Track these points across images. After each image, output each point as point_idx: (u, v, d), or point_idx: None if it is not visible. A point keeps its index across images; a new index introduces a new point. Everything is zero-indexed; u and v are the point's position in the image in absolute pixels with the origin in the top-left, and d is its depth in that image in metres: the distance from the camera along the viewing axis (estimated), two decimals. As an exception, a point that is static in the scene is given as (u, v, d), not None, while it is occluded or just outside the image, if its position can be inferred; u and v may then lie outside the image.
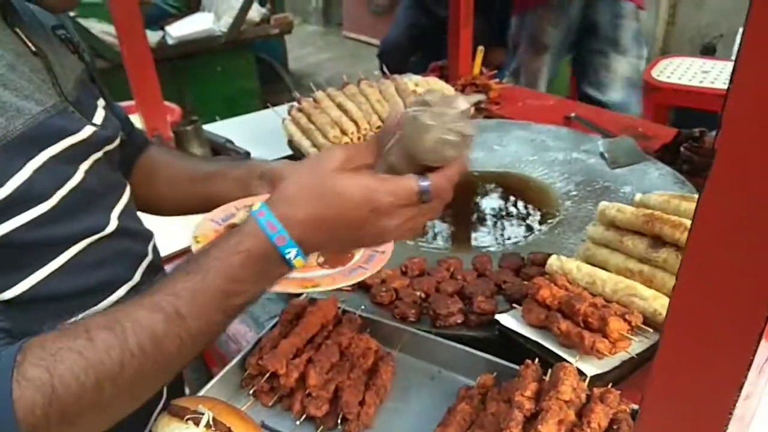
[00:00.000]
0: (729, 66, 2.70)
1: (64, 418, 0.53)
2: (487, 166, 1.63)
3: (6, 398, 0.50)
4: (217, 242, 0.63)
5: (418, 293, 1.04)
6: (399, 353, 0.93)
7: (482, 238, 1.37)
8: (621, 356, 0.81)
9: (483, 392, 0.81)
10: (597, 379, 0.79)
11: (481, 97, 2.16)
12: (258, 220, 0.61)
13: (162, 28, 3.69)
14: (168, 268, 0.97)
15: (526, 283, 0.98)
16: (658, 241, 0.90)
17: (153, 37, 3.42)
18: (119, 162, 0.87)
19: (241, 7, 3.73)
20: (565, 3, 2.50)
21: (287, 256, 0.61)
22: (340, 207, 0.61)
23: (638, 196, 1.06)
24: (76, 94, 0.76)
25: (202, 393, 0.85)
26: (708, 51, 3.83)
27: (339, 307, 0.97)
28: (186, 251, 0.98)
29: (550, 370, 0.77)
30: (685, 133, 1.57)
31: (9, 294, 0.65)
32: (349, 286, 1.09)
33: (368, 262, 0.86)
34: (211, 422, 0.71)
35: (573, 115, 1.92)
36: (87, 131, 0.73)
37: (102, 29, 3.29)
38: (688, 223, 0.88)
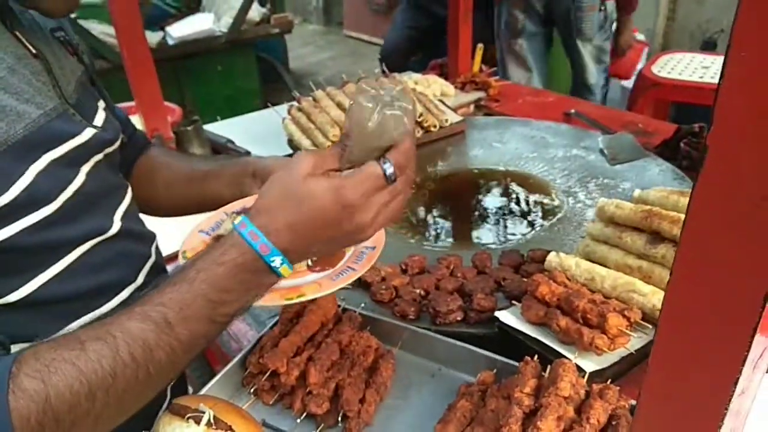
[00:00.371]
0: (730, 61, 2.70)
1: (58, 426, 0.54)
2: (487, 163, 1.63)
3: (3, 409, 0.51)
4: (201, 254, 0.63)
5: (418, 291, 1.04)
6: (399, 351, 0.93)
7: (482, 235, 1.37)
8: (620, 352, 0.81)
9: (483, 389, 0.81)
10: (596, 375, 0.79)
11: (480, 94, 2.18)
12: (240, 232, 0.62)
13: (162, 29, 3.70)
14: (170, 268, 0.98)
15: (525, 280, 0.98)
16: (657, 237, 0.90)
17: (153, 37, 3.43)
18: (120, 163, 0.87)
19: (241, 7, 3.74)
20: None
21: (272, 265, 0.62)
22: (313, 210, 0.62)
23: (637, 192, 1.06)
24: (76, 96, 0.76)
25: (203, 392, 0.86)
26: (708, 46, 3.82)
27: (339, 306, 0.98)
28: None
29: (549, 367, 0.77)
30: (684, 128, 1.56)
31: (13, 297, 0.66)
32: (349, 284, 1.10)
33: (357, 261, 0.86)
34: (212, 421, 0.71)
35: (573, 111, 1.92)
36: (88, 133, 0.74)
37: (102, 30, 3.30)
38: (686, 218, 0.87)
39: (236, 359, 0.91)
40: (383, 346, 0.93)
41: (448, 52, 2.22)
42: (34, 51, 0.72)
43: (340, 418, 0.82)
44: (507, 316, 0.91)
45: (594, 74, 2.94)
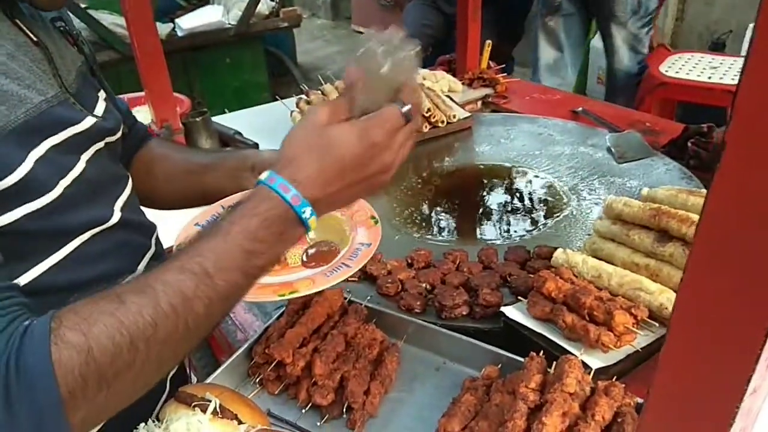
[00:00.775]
0: (738, 62, 2.69)
1: (101, 379, 0.54)
2: (493, 159, 1.63)
3: (46, 361, 0.51)
4: (234, 208, 0.64)
5: (424, 285, 1.05)
6: (404, 344, 0.93)
7: (488, 231, 1.37)
8: (626, 350, 0.81)
9: (487, 383, 0.81)
10: (601, 372, 0.79)
11: (488, 90, 2.17)
12: (271, 186, 0.63)
13: (172, 21, 3.70)
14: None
15: (531, 276, 0.98)
16: (665, 235, 0.90)
17: (163, 29, 3.43)
18: (120, 155, 0.88)
19: (251, 0, 3.73)
20: None
21: (303, 216, 0.63)
22: (341, 153, 0.64)
23: (645, 191, 1.05)
24: (76, 86, 0.76)
25: (209, 381, 0.86)
26: (717, 47, 3.80)
27: (345, 298, 0.98)
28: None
29: (554, 363, 0.78)
30: (692, 128, 1.56)
31: None
32: (355, 276, 1.10)
33: (352, 258, 0.86)
34: (218, 409, 0.72)
35: (580, 109, 1.92)
36: (88, 122, 0.74)
37: (113, 21, 3.30)
38: (695, 217, 0.87)
39: (242, 349, 0.92)
40: (388, 339, 0.93)
41: (457, 48, 2.21)
42: (35, 39, 0.72)
43: (344, 410, 0.82)
44: (513, 312, 0.91)
45: (623, 60, 2.94)
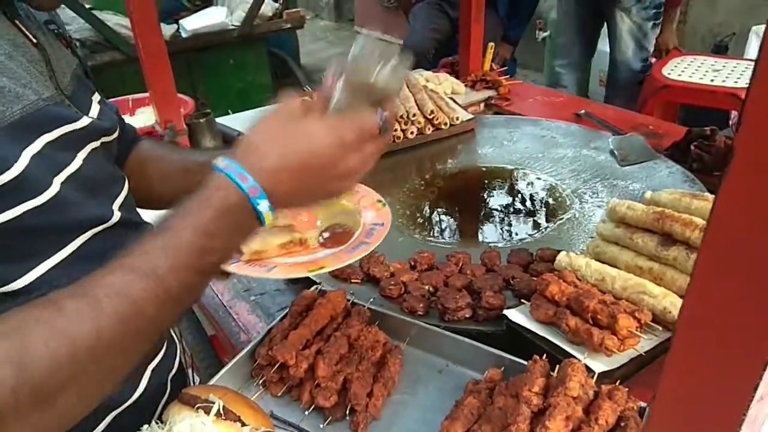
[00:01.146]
0: (741, 65, 2.69)
1: (39, 397, 0.48)
2: (496, 161, 1.63)
3: None
4: (184, 201, 0.60)
5: (427, 287, 1.05)
6: (407, 346, 0.93)
7: (490, 233, 1.37)
8: (629, 353, 0.81)
9: (491, 386, 0.81)
10: (605, 376, 0.79)
11: (491, 93, 2.17)
12: (228, 173, 0.59)
13: (176, 22, 3.71)
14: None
15: (534, 279, 0.98)
16: (669, 239, 0.90)
17: (167, 30, 3.44)
18: (115, 156, 0.88)
19: (254, 2, 3.74)
20: None
21: (258, 208, 0.59)
22: (309, 147, 0.60)
23: (649, 194, 1.05)
24: (72, 88, 0.76)
25: (212, 382, 0.86)
26: (720, 50, 3.80)
27: (348, 300, 0.98)
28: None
29: (557, 366, 0.78)
30: (695, 131, 1.56)
31: (16, 285, 0.64)
32: (358, 278, 1.10)
33: (369, 236, 0.88)
34: (221, 411, 0.72)
35: (583, 112, 1.92)
36: (84, 121, 0.74)
37: (117, 22, 3.31)
38: (699, 221, 0.87)
39: (245, 350, 0.92)
40: (391, 341, 0.93)
41: (460, 50, 2.22)
42: (34, 41, 0.72)
43: (347, 412, 0.82)
44: (516, 315, 0.91)
45: (626, 52, 2.95)
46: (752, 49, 3.23)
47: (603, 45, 3.29)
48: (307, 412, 0.84)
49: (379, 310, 0.97)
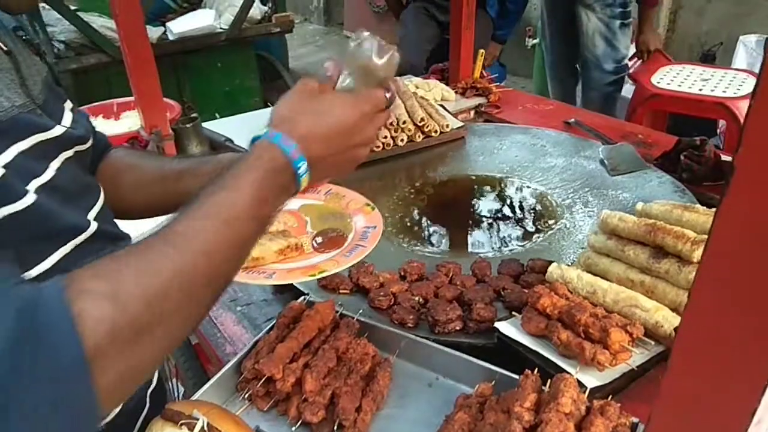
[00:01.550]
0: (729, 74, 2.71)
1: (134, 331, 0.49)
2: (486, 170, 1.62)
3: (65, 315, 0.45)
4: (232, 164, 0.64)
5: (417, 298, 1.03)
6: (396, 359, 0.92)
7: (480, 243, 1.36)
8: (621, 368, 0.80)
9: (481, 401, 0.80)
10: (596, 390, 0.78)
11: (481, 100, 2.17)
12: (273, 138, 0.64)
13: (163, 24, 3.67)
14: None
15: (525, 290, 0.97)
16: (660, 251, 0.90)
17: (154, 32, 3.40)
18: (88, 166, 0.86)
19: (243, 5, 3.71)
20: None
21: (299, 171, 0.64)
22: (336, 116, 0.67)
23: (640, 205, 1.05)
24: (43, 96, 0.74)
25: (196, 396, 0.84)
26: (707, 59, 3.84)
27: (337, 311, 0.96)
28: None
29: (549, 381, 0.76)
30: (685, 141, 1.56)
31: None
32: (348, 289, 1.09)
33: (363, 239, 0.91)
34: (205, 428, 0.70)
35: (573, 120, 1.92)
36: (58, 130, 0.72)
37: (103, 24, 3.27)
38: (691, 234, 0.87)
39: (231, 363, 0.90)
40: (380, 353, 0.92)
41: (450, 57, 2.21)
42: (5, 48, 0.70)
43: (335, 427, 0.81)
44: (507, 328, 0.90)
45: (595, 50, 2.95)
46: (739, 58, 3.27)
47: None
48: (294, 428, 0.82)
49: (368, 321, 0.96)
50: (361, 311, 0.98)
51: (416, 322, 0.99)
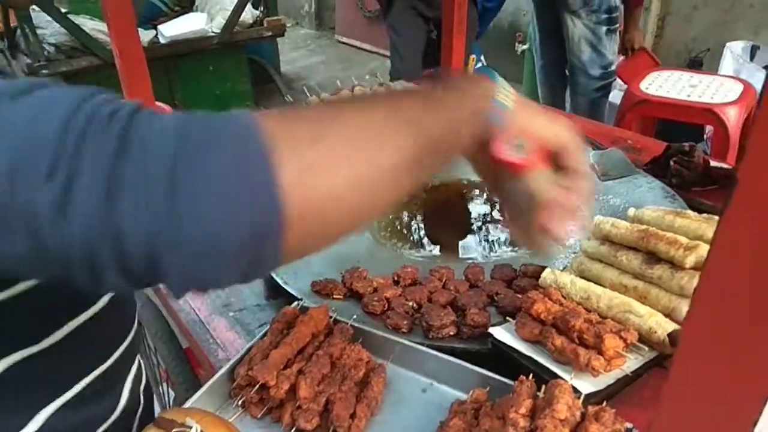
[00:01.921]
0: (717, 80, 2.74)
1: (313, 134, 0.44)
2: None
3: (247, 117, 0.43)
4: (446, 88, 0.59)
5: (411, 303, 1.03)
6: (391, 364, 0.92)
7: (472, 247, 1.36)
8: (616, 374, 0.80)
9: (476, 407, 0.80)
10: (591, 396, 0.78)
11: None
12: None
13: (154, 27, 3.66)
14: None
15: (519, 295, 0.97)
16: (653, 257, 0.90)
17: (145, 35, 3.39)
18: None
19: (235, 9, 3.71)
20: None
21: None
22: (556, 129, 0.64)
23: (632, 211, 1.06)
24: None
25: (189, 403, 0.83)
26: (695, 65, 3.88)
27: (331, 317, 0.96)
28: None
29: (544, 386, 0.77)
30: (674, 147, 1.57)
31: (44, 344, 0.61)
32: (341, 294, 1.09)
33: None
34: (199, 435, 0.69)
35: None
36: None
37: (94, 26, 3.26)
38: (683, 240, 0.88)
39: (224, 370, 0.89)
40: (374, 359, 0.92)
41: (442, 61, 2.21)
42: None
43: (329, 434, 0.80)
44: (501, 333, 0.90)
45: (581, 56, 2.96)
46: (726, 64, 3.30)
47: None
48: (288, 435, 0.82)
49: (362, 327, 0.96)
50: (354, 317, 0.97)
51: (410, 328, 0.99)
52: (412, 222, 1.45)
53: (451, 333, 0.96)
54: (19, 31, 3.10)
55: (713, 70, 3.46)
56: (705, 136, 2.96)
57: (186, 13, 3.97)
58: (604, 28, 2.93)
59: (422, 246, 1.35)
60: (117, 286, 0.43)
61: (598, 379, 0.79)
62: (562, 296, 0.91)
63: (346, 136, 0.46)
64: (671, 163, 1.53)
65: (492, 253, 1.31)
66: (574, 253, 1.18)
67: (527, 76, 3.90)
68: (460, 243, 1.39)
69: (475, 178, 1.61)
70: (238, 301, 1.16)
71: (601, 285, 0.93)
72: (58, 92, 0.42)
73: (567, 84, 3.30)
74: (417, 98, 0.55)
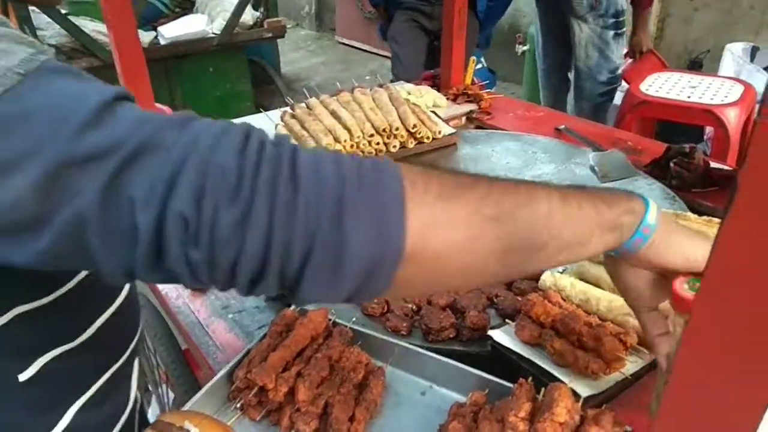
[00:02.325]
0: (716, 81, 2.74)
1: (441, 192, 0.50)
2: (479, 177, 1.63)
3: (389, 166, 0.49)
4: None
5: (410, 305, 1.03)
6: (390, 367, 0.91)
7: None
8: (615, 377, 0.80)
9: (475, 410, 0.80)
10: (590, 399, 0.78)
11: (472, 106, 2.17)
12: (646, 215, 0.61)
13: (155, 29, 3.66)
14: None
15: (518, 297, 0.97)
16: (652, 259, 0.90)
17: (145, 36, 3.40)
18: None
19: (235, 10, 3.71)
20: None
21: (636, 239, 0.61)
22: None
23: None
24: None
25: (188, 406, 0.83)
26: (695, 66, 3.88)
27: (330, 319, 0.96)
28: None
29: (543, 389, 0.76)
30: (674, 148, 1.57)
31: (79, 341, 0.63)
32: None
33: None
34: (197, 438, 0.69)
35: (563, 127, 1.92)
36: None
37: (94, 28, 3.26)
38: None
39: (222, 372, 0.89)
40: (374, 361, 0.91)
41: (442, 63, 2.22)
42: None
43: (328, 437, 0.80)
44: (500, 335, 0.90)
45: (589, 61, 2.94)
46: (725, 65, 3.30)
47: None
48: (286, 438, 0.81)
49: (361, 329, 0.95)
50: (354, 319, 0.97)
51: (410, 330, 0.99)
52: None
53: (451, 335, 0.96)
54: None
55: (713, 71, 3.47)
56: (705, 137, 2.96)
57: (186, 14, 3.97)
58: (611, 33, 2.91)
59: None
60: (262, 291, 0.49)
61: (598, 382, 0.79)
62: (562, 299, 0.91)
63: (472, 205, 0.52)
64: (671, 164, 1.52)
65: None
66: (574, 255, 1.18)
67: (527, 77, 3.90)
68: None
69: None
70: (238, 303, 1.16)
71: (600, 287, 0.93)
72: (211, 123, 0.48)
73: (569, 87, 3.29)
74: (559, 194, 0.57)
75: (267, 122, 1.79)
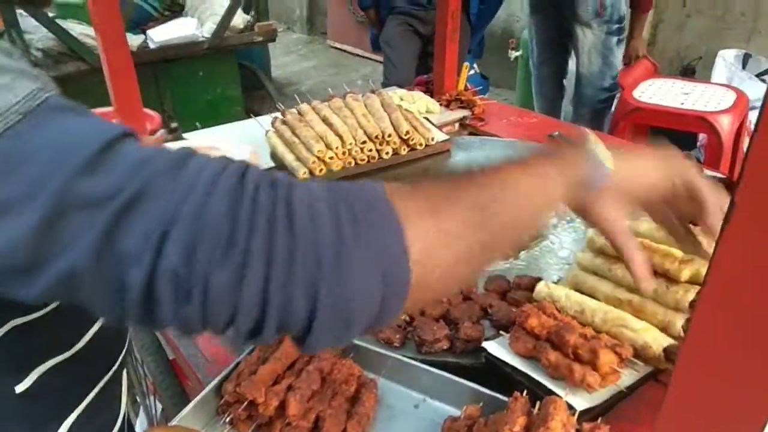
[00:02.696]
0: (710, 88, 2.76)
1: (432, 209, 0.51)
2: (472, 183, 1.61)
3: (391, 212, 0.49)
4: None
5: (403, 317, 1.01)
6: (382, 379, 0.90)
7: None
8: (610, 389, 0.79)
9: (469, 424, 0.78)
10: (585, 412, 0.77)
11: (465, 112, 2.16)
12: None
13: (144, 32, 3.63)
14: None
15: (513, 309, 0.96)
16: (648, 270, 0.89)
17: (134, 40, 3.37)
18: None
19: (225, 14, 3.69)
20: None
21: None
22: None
23: (627, 223, 1.04)
24: None
25: (176, 420, 0.81)
26: (687, 72, 3.90)
27: (321, 330, 0.94)
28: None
29: (538, 402, 0.75)
30: (669, 156, 1.57)
31: (74, 350, 0.63)
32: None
33: None
34: (185, 455, 0.67)
35: (556, 133, 1.92)
36: None
37: (81, 31, 3.23)
38: (677, 253, 0.87)
39: (211, 385, 0.87)
40: (366, 374, 0.90)
41: (434, 69, 2.21)
42: None
43: (320, 452, 0.78)
44: (495, 348, 0.88)
45: (591, 66, 2.95)
46: (718, 72, 3.32)
47: (572, 63, 3.32)
48: (276, 453, 0.79)
49: (353, 341, 0.94)
50: (345, 330, 0.95)
51: (403, 342, 0.97)
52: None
53: (444, 347, 0.94)
54: (6, 36, 3.08)
55: (706, 77, 3.49)
56: (698, 144, 2.97)
57: (176, 17, 3.94)
58: (614, 39, 2.92)
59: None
60: (261, 343, 0.49)
61: (593, 395, 0.78)
62: (557, 310, 0.90)
63: (460, 215, 0.53)
64: (664, 172, 1.52)
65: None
66: (569, 264, 1.17)
67: (520, 83, 3.91)
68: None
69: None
70: (227, 312, 1.14)
71: (595, 298, 0.92)
72: (206, 163, 0.46)
73: (563, 94, 3.30)
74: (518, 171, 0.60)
75: (257, 128, 1.77)
